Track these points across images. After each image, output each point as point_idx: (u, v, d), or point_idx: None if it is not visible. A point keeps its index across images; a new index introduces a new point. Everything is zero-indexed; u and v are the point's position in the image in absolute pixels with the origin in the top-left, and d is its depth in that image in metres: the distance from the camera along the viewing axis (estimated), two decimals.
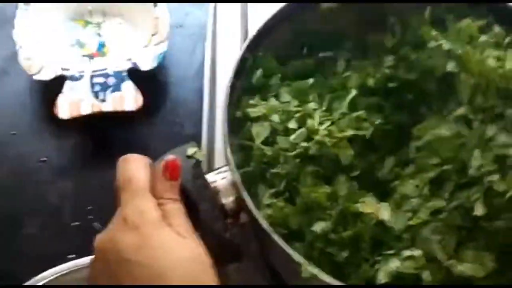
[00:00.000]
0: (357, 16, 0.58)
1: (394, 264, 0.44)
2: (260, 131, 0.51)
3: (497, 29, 0.52)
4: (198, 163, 0.45)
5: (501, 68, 0.48)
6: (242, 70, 0.52)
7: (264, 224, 0.44)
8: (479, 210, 0.44)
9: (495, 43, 0.51)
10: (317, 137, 0.49)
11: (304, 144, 0.49)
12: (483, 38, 0.51)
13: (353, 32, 0.58)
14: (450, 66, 0.49)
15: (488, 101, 0.47)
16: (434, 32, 0.52)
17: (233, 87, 0.50)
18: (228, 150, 0.46)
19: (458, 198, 0.45)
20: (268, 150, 0.50)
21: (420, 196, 0.47)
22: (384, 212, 0.46)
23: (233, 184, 0.46)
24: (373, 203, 0.47)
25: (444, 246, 0.45)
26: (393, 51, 0.55)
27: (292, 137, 0.50)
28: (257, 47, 0.55)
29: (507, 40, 0.51)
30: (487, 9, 0.54)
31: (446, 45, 0.50)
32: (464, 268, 0.44)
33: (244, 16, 0.68)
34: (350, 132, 0.49)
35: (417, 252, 0.44)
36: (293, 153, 0.49)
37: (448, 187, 0.46)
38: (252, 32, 0.55)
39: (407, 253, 0.44)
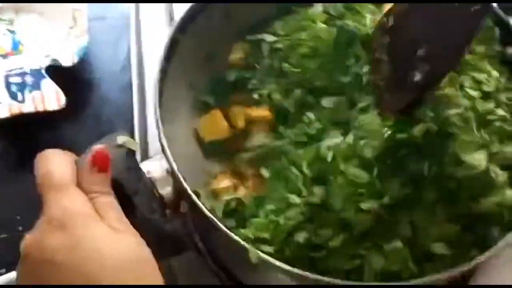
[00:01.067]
0: None
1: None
2: None
3: None
4: (130, 152, 0.42)
5: None
6: (171, 54, 0.50)
7: (206, 211, 0.42)
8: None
9: None
10: None
11: None
12: None
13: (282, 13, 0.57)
14: None
15: None
16: None
17: (163, 71, 0.48)
18: (162, 136, 0.44)
19: None
20: None
21: None
22: None
23: (170, 173, 0.43)
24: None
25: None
26: None
27: None
28: (185, 31, 0.53)
29: None
30: None
31: None
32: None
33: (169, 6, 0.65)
34: None
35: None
36: None
37: None
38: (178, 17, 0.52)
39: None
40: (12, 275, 0.53)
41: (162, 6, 0.65)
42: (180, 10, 0.54)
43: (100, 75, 0.71)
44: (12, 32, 0.69)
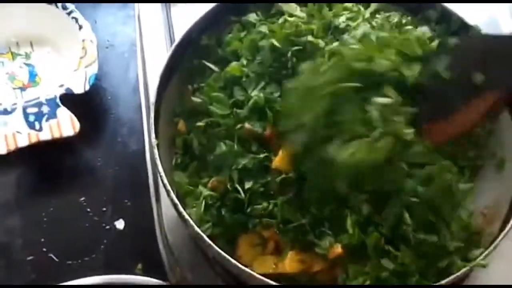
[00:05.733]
0: None
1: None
2: None
3: None
4: None
5: None
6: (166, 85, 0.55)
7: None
8: None
9: None
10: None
11: None
12: None
13: None
14: None
15: None
16: None
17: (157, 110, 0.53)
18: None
19: None
20: None
21: None
22: None
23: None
24: None
25: None
26: None
27: None
28: (182, 55, 0.56)
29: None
30: None
31: None
32: None
33: (169, 28, 0.69)
34: None
35: None
36: None
37: None
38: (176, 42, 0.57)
39: None
40: None
41: (162, 32, 0.68)
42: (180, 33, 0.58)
43: (112, 99, 0.75)
44: (28, 65, 0.74)
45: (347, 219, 0.49)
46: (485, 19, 0.63)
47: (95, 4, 0.81)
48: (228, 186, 0.51)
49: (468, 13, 0.61)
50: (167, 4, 0.72)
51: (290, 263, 0.49)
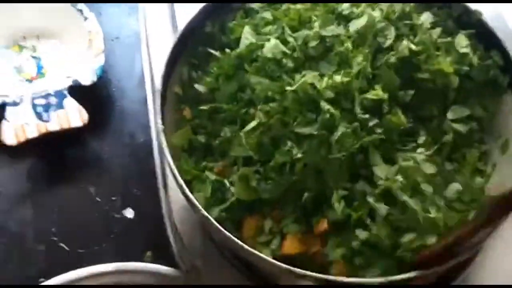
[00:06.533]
0: None
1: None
2: None
3: None
4: None
5: None
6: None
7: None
8: None
9: None
10: None
11: None
12: None
13: None
14: None
15: None
16: None
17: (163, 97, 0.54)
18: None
19: None
20: None
21: None
22: None
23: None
24: None
25: None
26: None
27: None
28: (186, 43, 0.57)
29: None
30: None
31: None
32: None
33: (173, 19, 0.70)
34: None
35: None
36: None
37: None
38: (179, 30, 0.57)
39: None
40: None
41: (168, 24, 0.69)
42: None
43: (119, 91, 0.75)
44: (35, 58, 0.75)
45: (333, 194, 0.50)
46: (490, 13, 0.63)
47: None
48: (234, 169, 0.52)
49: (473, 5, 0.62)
50: None
51: (289, 244, 0.50)
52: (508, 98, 0.57)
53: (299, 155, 0.50)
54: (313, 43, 0.55)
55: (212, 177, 0.52)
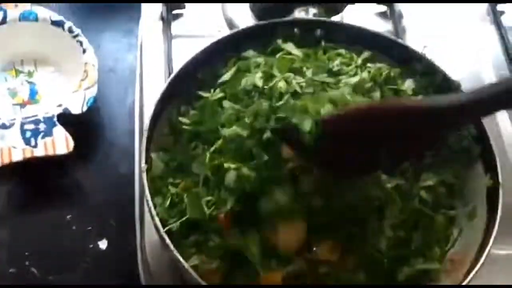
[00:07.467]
0: None
1: None
2: None
3: None
4: None
5: None
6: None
7: None
8: None
9: None
10: None
11: None
12: None
13: None
14: None
15: None
16: None
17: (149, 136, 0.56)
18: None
19: None
20: None
21: None
22: None
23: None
24: None
25: None
26: None
27: None
28: (178, 86, 0.59)
29: None
30: None
31: None
32: None
33: (169, 60, 0.72)
34: None
35: None
36: None
37: None
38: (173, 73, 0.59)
39: None
40: None
41: (162, 63, 0.72)
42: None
43: (108, 122, 0.77)
44: (30, 83, 0.77)
45: None
46: (467, 74, 0.66)
47: (100, 29, 0.84)
48: None
49: (453, 66, 0.65)
50: (169, 34, 0.75)
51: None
52: (479, 167, 0.60)
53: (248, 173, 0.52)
54: (302, 83, 0.58)
55: (173, 190, 0.54)
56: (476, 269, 0.52)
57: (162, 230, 0.51)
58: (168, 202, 0.54)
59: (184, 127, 0.59)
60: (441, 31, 0.80)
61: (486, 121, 0.60)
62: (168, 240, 0.51)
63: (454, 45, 0.78)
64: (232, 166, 0.51)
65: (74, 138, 0.69)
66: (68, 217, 0.69)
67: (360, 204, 0.54)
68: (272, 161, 0.52)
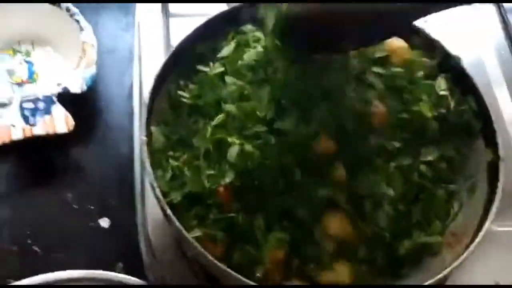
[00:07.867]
0: None
1: None
2: None
3: None
4: None
5: None
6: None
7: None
8: None
9: None
10: None
11: None
12: None
13: None
14: None
15: None
16: None
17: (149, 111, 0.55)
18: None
19: None
20: None
21: None
22: None
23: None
24: None
25: None
26: None
27: None
28: (177, 61, 0.59)
29: None
30: None
31: None
32: None
33: (168, 37, 0.72)
34: None
35: None
36: None
37: None
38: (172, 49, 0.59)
39: None
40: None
41: (161, 41, 0.71)
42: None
43: (107, 102, 0.77)
44: (28, 62, 0.76)
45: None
46: (471, 59, 0.66)
47: (98, 8, 0.84)
48: None
49: (453, 46, 0.64)
50: (167, 13, 0.75)
51: None
52: (479, 142, 0.60)
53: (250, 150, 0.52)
54: None
55: (174, 163, 0.54)
56: (476, 242, 0.52)
57: (163, 201, 0.51)
58: (169, 175, 0.54)
59: (184, 100, 0.59)
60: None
61: (486, 97, 0.61)
62: (169, 211, 0.51)
63: (455, 26, 0.78)
64: (237, 141, 0.51)
65: (74, 118, 0.69)
66: (69, 196, 0.69)
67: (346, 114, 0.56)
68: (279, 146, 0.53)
